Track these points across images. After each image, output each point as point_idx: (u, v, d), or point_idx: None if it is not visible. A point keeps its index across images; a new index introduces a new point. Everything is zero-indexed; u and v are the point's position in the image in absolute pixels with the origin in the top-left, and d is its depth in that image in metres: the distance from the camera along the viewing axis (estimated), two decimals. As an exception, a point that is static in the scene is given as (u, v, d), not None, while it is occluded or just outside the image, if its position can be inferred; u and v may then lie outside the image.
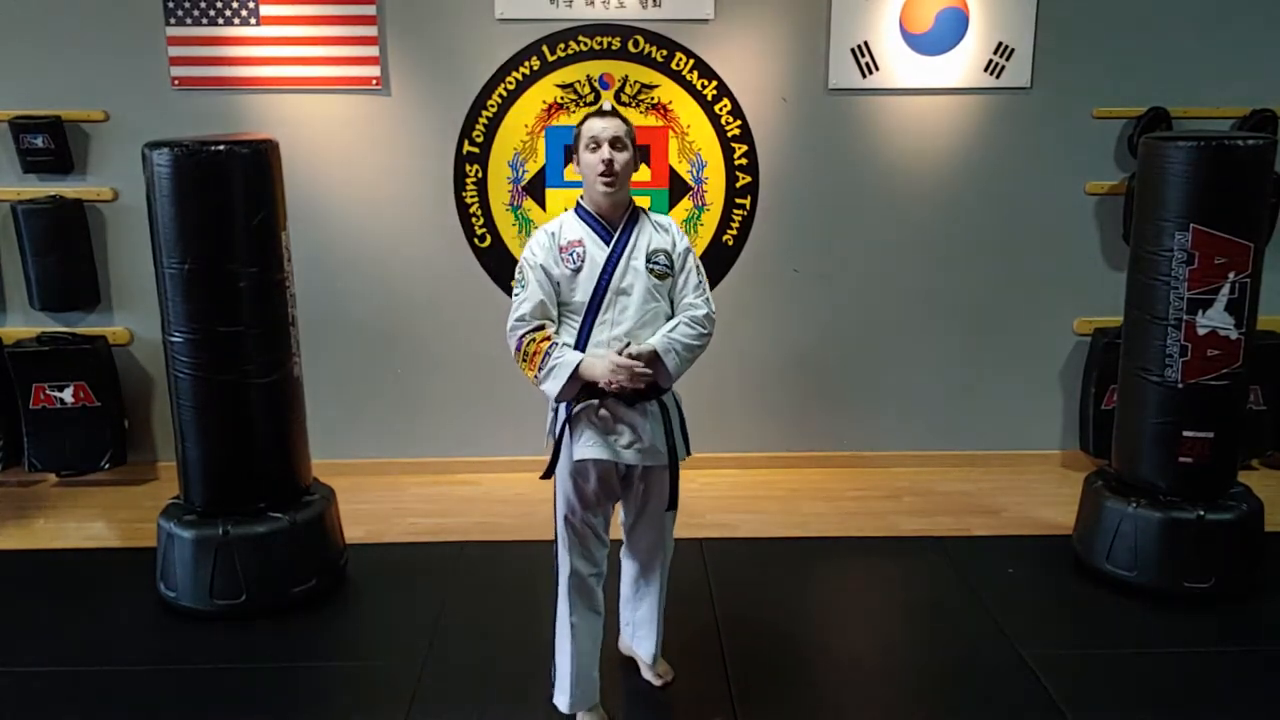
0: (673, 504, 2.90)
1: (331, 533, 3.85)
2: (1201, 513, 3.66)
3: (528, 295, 2.78)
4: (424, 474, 4.88)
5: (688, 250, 2.88)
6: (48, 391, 4.62)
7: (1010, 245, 4.82)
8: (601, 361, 2.72)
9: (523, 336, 2.77)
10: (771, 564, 4.05)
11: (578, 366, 2.72)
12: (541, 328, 2.77)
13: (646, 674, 3.28)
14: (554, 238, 2.82)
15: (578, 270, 2.79)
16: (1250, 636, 3.53)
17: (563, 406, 2.83)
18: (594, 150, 2.77)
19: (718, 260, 4.79)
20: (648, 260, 2.81)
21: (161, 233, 3.47)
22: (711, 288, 4.80)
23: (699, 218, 4.75)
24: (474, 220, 4.73)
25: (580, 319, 2.80)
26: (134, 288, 4.67)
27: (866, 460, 4.99)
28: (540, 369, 2.74)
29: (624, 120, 2.82)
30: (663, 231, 2.88)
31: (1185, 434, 3.68)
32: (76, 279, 4.63)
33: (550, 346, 2.74)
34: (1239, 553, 3.71)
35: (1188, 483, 3.72)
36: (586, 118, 2.83)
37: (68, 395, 4.63)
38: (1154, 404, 3.72)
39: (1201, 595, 3.67)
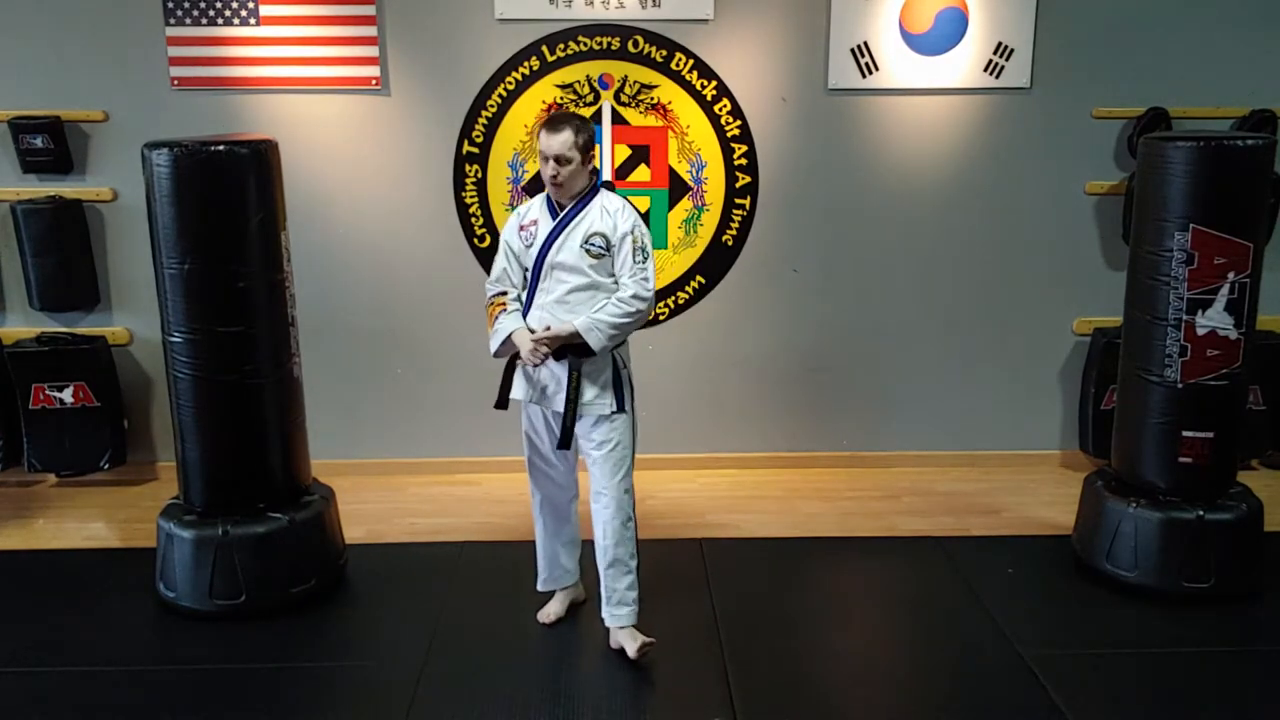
0: (563, 444, 3.31)
1: (331, 533, 3.84)
2: (1201, 513, 3.66)
3: (496, 263, 3.39)
4: (424, 474, 4.88)
5: (627, 234, 3.23)
6: (47, 392, 4.62)
7: (1010, 245, 4.82)
8: (526, 342, 3.22)
9: (491, 296, 3.37)
10: (771, 564, 4.05)
11: (509, 335, 3.27)
12: (503, 292, 3.34)
13: (628, 648, 3.30)
14: (520, 216, 3.35)
15: (529, 245, 3.29)
16: (1250, 636, 3.53)
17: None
18: (544, 163, 3.20)
19: (718, 260, 4.79)
20: (585, 241, 3.21)
21: (161, 233, 3.47)
22: (711, 288, 4.86)
23: (699, 218, 4.75)
24: (474, 220, 4.73)
25: (528, 285, 3.32)
26: (134, 288, 4.66)
27: (866, 460, 4.99)
28: (492, 327, 3.34)
29: (572, 130, 3.15)
30: (608, 216, 3.24)
31: (1185, 434, 3.68)
32: (76, 279, 4.63)
33: (500, 312, 3.32)
34: (1238, 553, 3.71)
35: (1187, 483, 3.72)
36: (541, 127, 3.21)
37: (67, 395, 4.63)
38: (1154, 404, 3.72)
39: (1201, 595, 3.67)
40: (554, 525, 3.53)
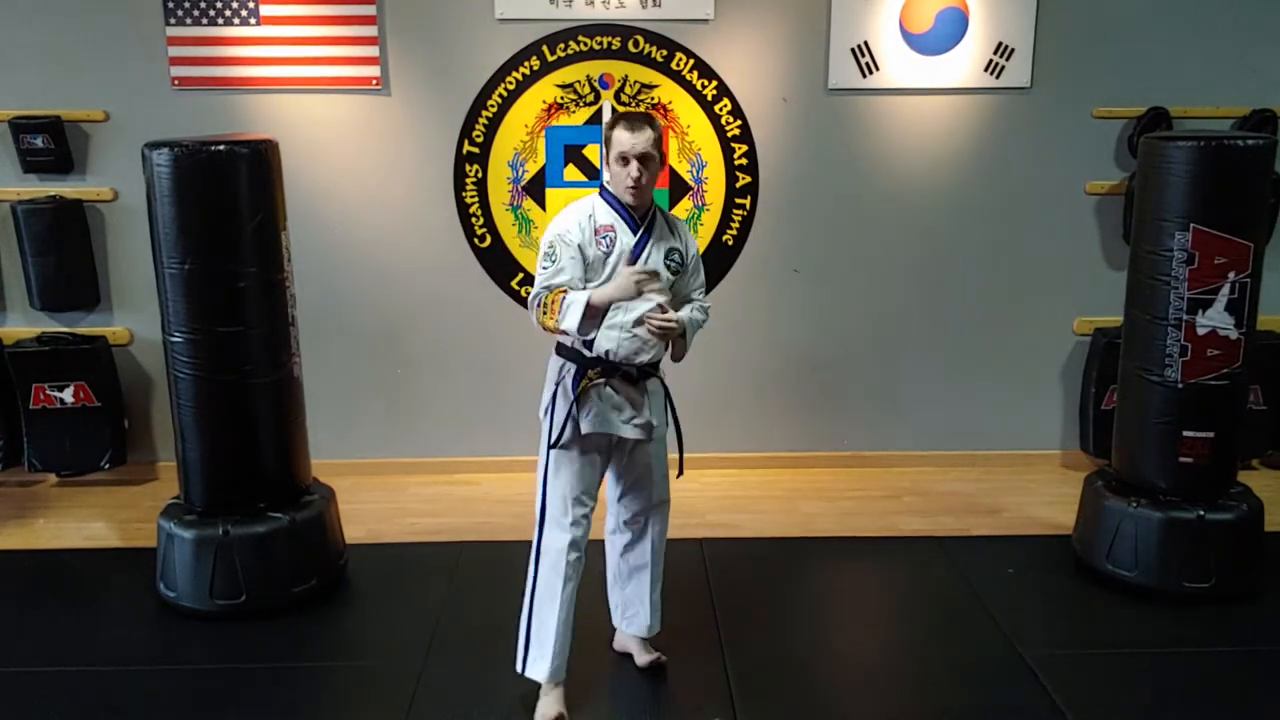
0: (680, 471, 3.15)
1: (331, 533, 3.84)
2: (1201, 513, 3.66)
3: (561, 268, 2.86)
4: (424, 474, 4.88)
5: (698, 253, 3.11)
6: (48, 391, 4.62)
7: (1010, 245, 4.82)
8: (615, 280, 2.84)
9: (542, 295, 2.86)
10: (771, 564, 4.05)
11: (588, 301, 2.79)
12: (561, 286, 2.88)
13: (639, 657, 3.28)
14: (584, 217, 2.92)
15: (608, 254, 2.90)
16: (1250, 636, 3.52)
17: (568, 382, 2.95)
18: (623, 165, 2.87)
19: (718, 260, 4.78)
20: (666, 256, 2.97)
21: (161, 233, 3.47)
22: (711, 288, 4.86)
23: (699, 218, 4.75)
24: (474, 220, 4.73)
25: None
26: (134, 288, 4.66)
27: (866, 460, 4.99)
28: (560, 312, 2.81)
29: (652, 127, 2.88)
30: (677, 233, 3.05)
31: (1185, 434, 3.68)
32: (76, 279, 4.63)
33: (565, 295, 2.82)
34: (1239, 553, 3.71)
35: (1188, 483, 3.72)
36: (617, 124, 2.90)
37: (68, 395, 4.63)
38: (1154, 404, 3.72)
39: (1201, 595, 3.67)
40: (574, 597, 3.02)
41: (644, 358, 2.94)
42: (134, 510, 4.50)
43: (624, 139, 2.86)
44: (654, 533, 3.22)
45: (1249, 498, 3.79)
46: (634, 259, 2.89)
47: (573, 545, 2.99)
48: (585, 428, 2.95)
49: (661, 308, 2.87)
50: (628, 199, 2.91)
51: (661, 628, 3.30)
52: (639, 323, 2.88)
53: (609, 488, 3.20)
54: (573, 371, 2.95)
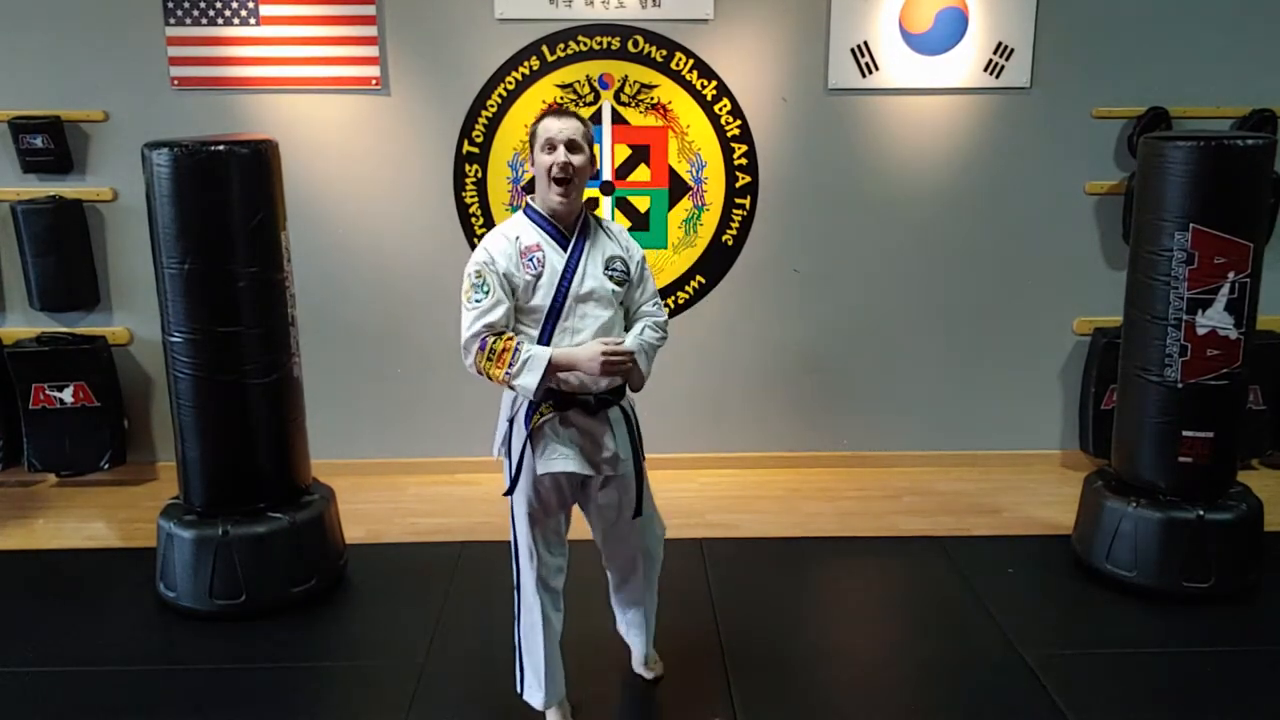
0: (638, 511, 2.88)
1: (331, 533, 3.84)
2: (1201, 512, 3.66)
3: (494, 301, 2.67)
4: (424, 474, 4.88)
5: (642, 259, 2.88)
6: (47, 391, 4.62)
7: (1010, 245, 4.82)
8: (584, 350, 2.67)
9: (485, 338, 2.67)
10: (771, 564, 4.05)
11: (549, 360, 2.65)
12: (504, 332, 2.69)
13: (638, 667, 3.28)
14: (510, 241, 2.72)
15: (538, 276, 2.70)
16: (1250, 636, 3.52)
17: (520, 419, 2.77)
18: (549, 152, 2.69)
19: (718, 260, 4.79)
20: (606, 267, 2.77)
21: (161, 233, 3.47)
22: (711, 288, 4.87)
23: (699, 218, 4.75)
24: (474, 220, 4.73)
25: (540, 326, 2.72)
26: (134, 288, 4.67)
27: (866, 460, 4.99)
28: (511, 365, 2.64)
29: (581, 120, 2.74)
30: (615, 239, 2.85)
31: (1185, 434, 3.68)
32: (76, 279, 4.63)
33: (518, 342, 2.66)
34: (1238, 553, 3.71)
35: (1187, 482, 3.72)
36: (542, 116, 2.76)
37: (67, 395, 4.63)
38: (1154, 404, 3.72)
39: (1201, 595, 3.67)
40: (556, 623, 2.95)
41: (601, 385, 2.73)
42: (134, 510, 4.50)
43: (550, 125, 2.69)
44: (643, 570, 3.08)
45: (1248, 497, 3.79)
46: (565, 280, 2.70)
47: (541, 585, 2.89)
48: (540, 468, 2.75)
49: (614, 350, 2.67)
50: (554, 200, 2.71)
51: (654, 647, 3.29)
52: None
53: (589, 525, 3.04)
54: (525, 406, 2.75)
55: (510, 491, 2.82)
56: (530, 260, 2.71)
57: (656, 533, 3.13)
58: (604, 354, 2.64)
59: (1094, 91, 4.66)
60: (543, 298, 2.71)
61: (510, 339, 2.67)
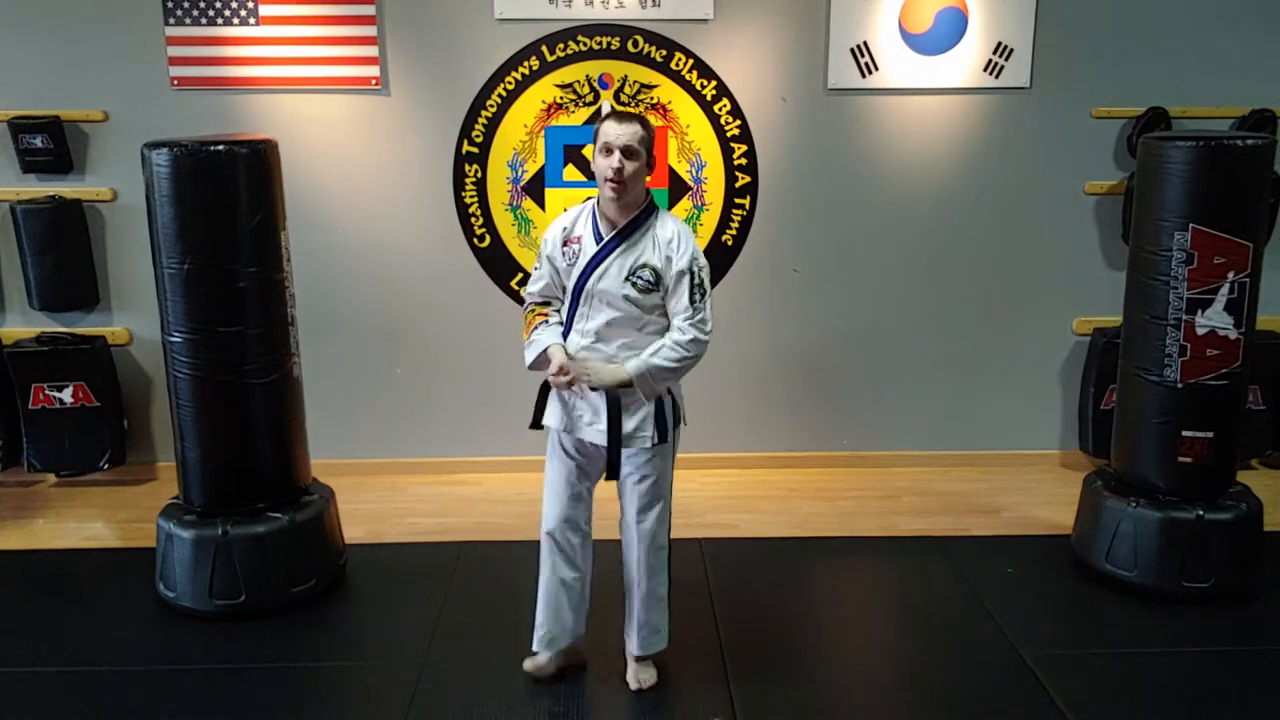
0: (612, 474, 3.01)
1: (331, 533, 3.84)
2: (1201, 512, 3.66)
3: (537, 277, 3.08)
4: (424, 474, 4.88)
5: (684, 272, 2.90)
6: (47, 391, 4.62)
7: (1010, 245, 4.82)
8: (554, 360, 2.93)
9: (527, 304, 3.10)
10: (771, 564, 4.05)
11: (546, 349, 2.96)
12: (546, 302, 3.07)
13: (629, 674, 3.22)
14: (565, 231, 3.00)
15: (571, 265, 2.97)
16: (1250, 636, 3.53)
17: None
18: (605, 155, 2.85)
19: (718, 260, 4.78)
20: (632, 273, 2.90)
21: (161, 233, 3.47)
22: (712, 286, 4.85)
23: (698, 218, 4.75)
24: (473, 220, 4.73)
25: (568, 308, 3.02)
26: (134, 288, 4.67)
27: (866, 460, 4.99)
28: (528, 338, 3.04)
29: (642, 125, 2.87)
30: (659, 247, 2.91)
31: (1184, 434, 3.68)
32: (76, 279, 4.63)
33: (541, 322, 3.03)
34: (1238, 552, 3.71)
35: (1187, 482, 3.72)
36: (606, 118, 2.90)
37: (67, 395, 4.63)
38: (1153, 404, 3.72)
39: (1201, 595, 3.67)
40: (564, 566, 3.14)
41: (586, 393, 2.95)
42: (133, 510, 4.50)
43: (609, 130, 2.85)
44: (637, 554, 3.12)
45: (1248, 497, 3.79)
46: (584, 276, 2.92)
47: (549, 535, 3.13)
48: (544, 419, 3.06)
49: (562, 368, 2.89)
50: (608, 194, 2.87)
51: (662, 647, 3.23)
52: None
53: None
54: None
55: (532, 424, 3.11)
56: (568, 250, 2.97)
57: (653, 528, 3.11)
58: (558, 370, 2.91)
59: (1094, 91, 4.66)
60: (573, 286, 2.98)
61: (538, 314, 3.06)
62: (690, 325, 2.90)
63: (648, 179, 2.96)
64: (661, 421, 2.99)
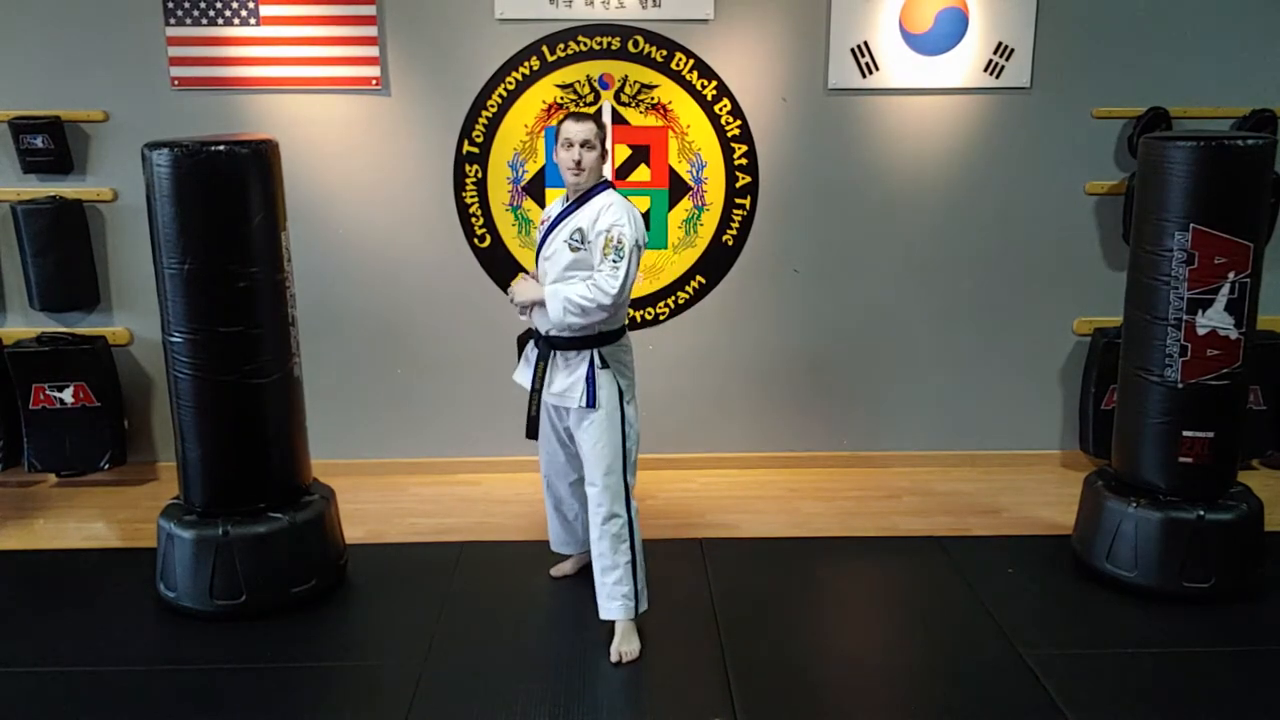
0: (530, 433, 3.48)
1: (331, 533, 3.84)
2: (1201, 513, 3.66)
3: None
4: (424, 474, 4.88)
5: (603, 232, 3.27)
6: (47, 392, 4.62)
7: (1010, 245, 4.82)
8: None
9: None
10: (771, 564, 4.05)
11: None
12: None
13: (610, 645, 3.37)
14: (545, 215, 3.52)
15: (543, 235, 3.47)
16: (1250, 636, 3.53)
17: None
18: (567, 149, 3.30)
19: (718, 260, 4.79)
20: (570, 235, 3.32)
21: (161, 233, 3.47)
22: (711, 288, 4.87)
23: (699, 218, 4.75)
24: (474, 220, 4.73)
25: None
26: (134, 288, 4.67)
27: (866, 460, 4.99)
28: None
29: (595, 122, 3.32)
30: (593, 215, 3.30)
31: (1185, 434, 3.68)
32: (76, 279, 4.63)
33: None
34: (1239, 553, 3.71)
35: (1188, 483, 3.72)
36: (564, 119, 3.34)
37: (67, 395, 4.63)
38: (1154, 404, 3.72)
39: (1201, 595, 3.67)
40: (552, 499, 3.73)
41: (543, 328, 3.35)
42: (134, 510, 4.50)
43: (569, 128, 3.30)
44: (588, 513, 3.43)
45: (1249, 498, 3.79)
46: (540, 243, 3.44)
47: (544, 476, 3.71)
48: (516, 376, 3.55)
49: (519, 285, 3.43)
50: (570, 180, 3.33)
51: (621, 616, 3.34)
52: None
53: None
54: None
55: (530, 433, 3.57)
56: (542, 227, 3.48)
57: (599, 495, 3.34)
58: (513, 285, 3.45)
59: (1094, 91, 4.66)
60: (536, 251, 3.49)
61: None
62: (598, 279, 3.23)
63: (605, 167, 3.44)
64: (591, 386, 3.31)
